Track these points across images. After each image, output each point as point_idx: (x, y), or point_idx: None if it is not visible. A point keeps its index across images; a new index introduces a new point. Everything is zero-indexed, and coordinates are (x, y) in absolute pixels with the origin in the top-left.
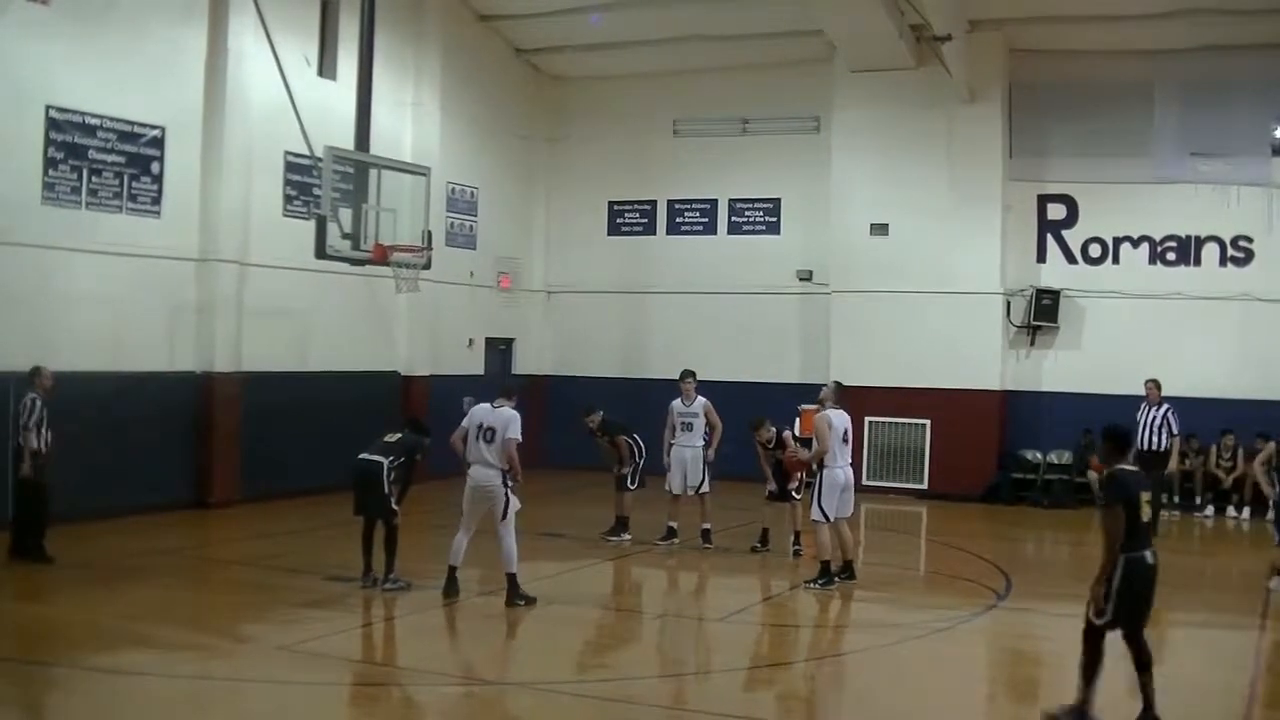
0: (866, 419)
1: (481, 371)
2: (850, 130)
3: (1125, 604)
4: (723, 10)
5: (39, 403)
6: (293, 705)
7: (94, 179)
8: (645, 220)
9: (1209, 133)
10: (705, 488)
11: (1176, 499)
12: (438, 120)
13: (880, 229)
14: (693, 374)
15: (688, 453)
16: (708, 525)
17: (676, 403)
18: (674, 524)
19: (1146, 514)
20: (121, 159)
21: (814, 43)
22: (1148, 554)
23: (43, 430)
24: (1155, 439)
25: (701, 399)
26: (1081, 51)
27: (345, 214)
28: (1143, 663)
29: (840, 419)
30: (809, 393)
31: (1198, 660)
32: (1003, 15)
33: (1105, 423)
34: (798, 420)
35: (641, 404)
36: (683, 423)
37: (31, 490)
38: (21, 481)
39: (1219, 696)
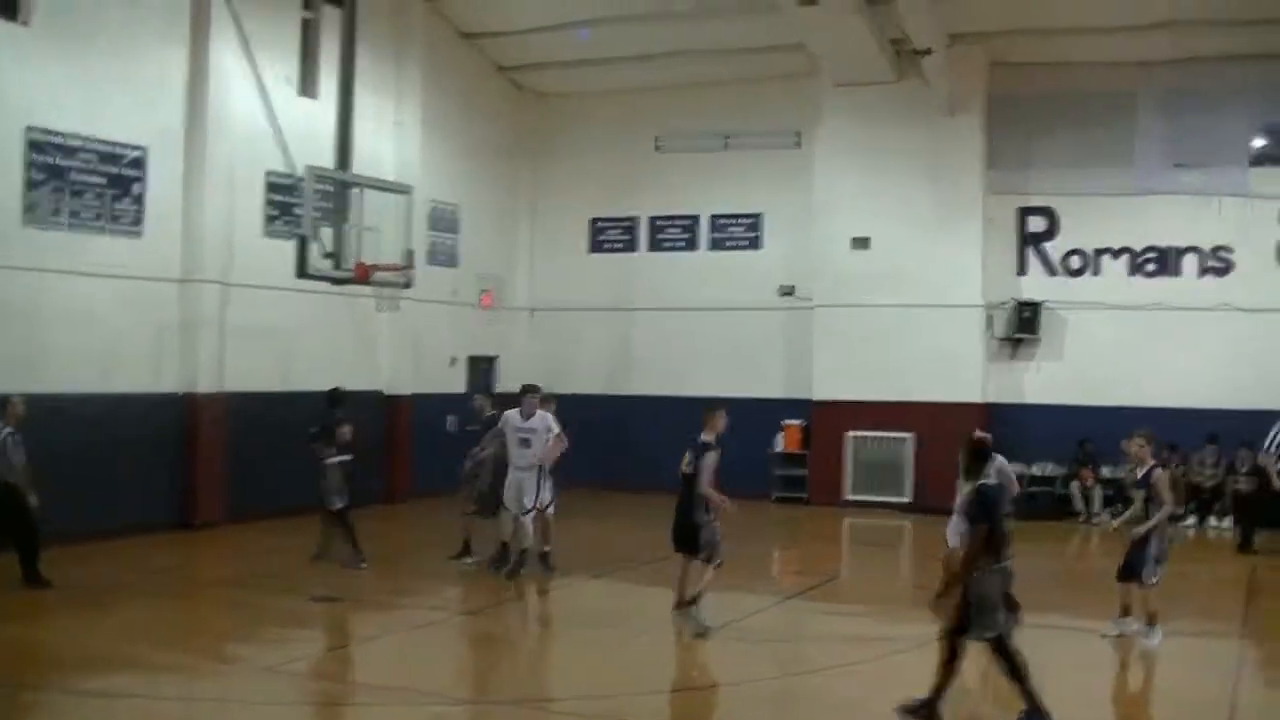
0: (849, 433)
1: (464, 390)
2: (832, 144)
3: None
4: (704, 26)
5: (16, 438)
6: None
7: (75, 200)
8: (627, 237)
9: (1190, 144)
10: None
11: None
12: (419, 138)
13: (862, 243)
14: (535, 389)
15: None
16: (548, 548)
17: (514, 414)
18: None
19: None
20: (103, 180)
21: (795, 57)
22: None
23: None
24: None
25: (541, 414)
26: (1062, 64)
27: (327, 233)
28: None
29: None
30: (792, 408)
31: (1180, 670)
32: (983, 28)
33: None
34: (780, 435)
35: (626, 421)
36: (520, 439)
37: (23, 517)
38: (17, 510)
39: (1201, 707)
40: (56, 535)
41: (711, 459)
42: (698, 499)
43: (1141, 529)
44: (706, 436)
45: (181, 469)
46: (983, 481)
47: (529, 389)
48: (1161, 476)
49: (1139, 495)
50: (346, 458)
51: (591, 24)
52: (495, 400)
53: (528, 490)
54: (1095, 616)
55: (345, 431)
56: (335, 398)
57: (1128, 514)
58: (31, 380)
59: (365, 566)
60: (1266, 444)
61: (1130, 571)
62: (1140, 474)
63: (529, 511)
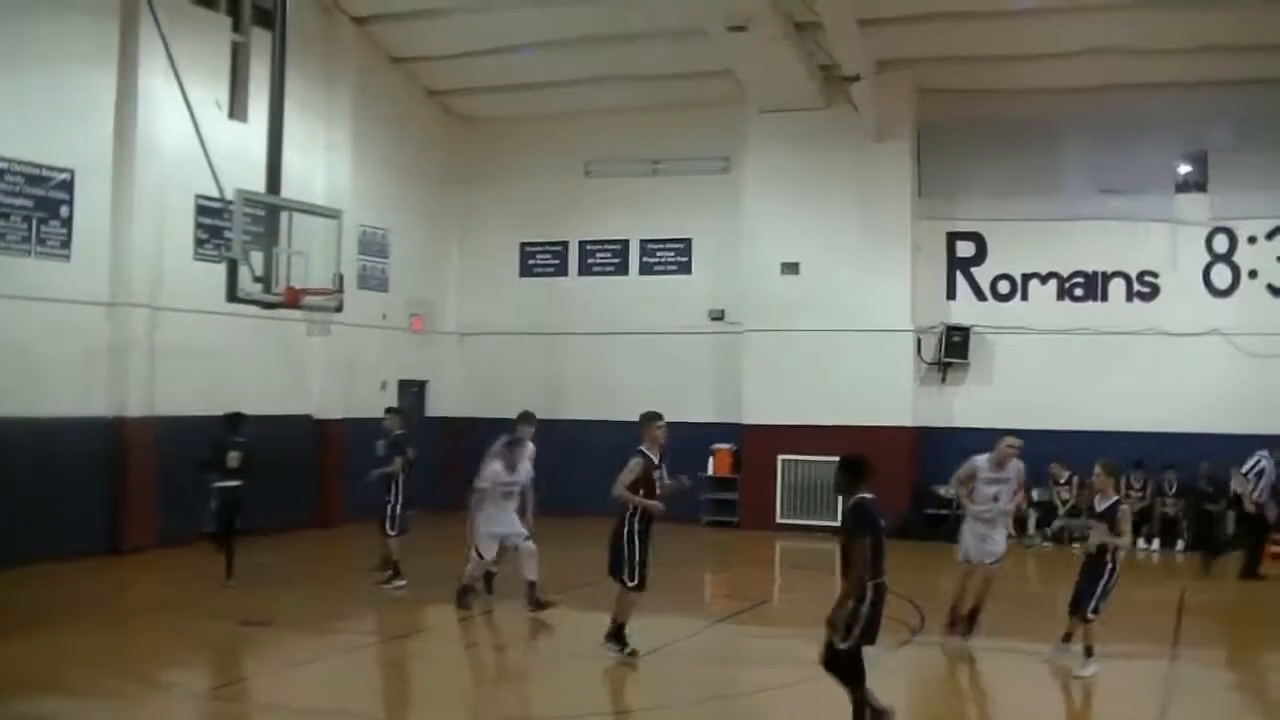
0: (780, 457)
1: None
2: (761, 170)
3: None
4: (633, 51)
5: None
6: None
7: (2, 223)
8: (557, 261)
9: (1116, 170)
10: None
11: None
12: (349, 162)
13: (791, 268)
14: (520, 440)
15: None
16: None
17: (499, 469)
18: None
19: None
20: (30, 202)
21: (724, 83)
22: None
23: None
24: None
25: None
26: (990, 90)
27: (257, 257)
28: None
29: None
30: (723, 432)
31: (1113, 691)
32: (912, 55)
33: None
34: (711, 459)
35: (557, 445)
36: (504, 493)
37: None
38: None
39: None
40: None
41: (632, 463)
42: (622, 516)
43: (1099, 541)
44: (644, 447)
45: (111, 493)
46: (860, 495)
47: (516, 441)
48: (1126, 511)
49: (1099, 526)
50: (231, 483)
51: (522, 48)
52: (405, 419)
53: (510, 522)
54: (1027, 638)
55: (232, 457)
56: (233, 421)
57: (1087, 541)
58: None
59: (233, 586)
60: (1244, 469)
61: (1079, 604)
62: (1103, 506)
63: (529, 537)
